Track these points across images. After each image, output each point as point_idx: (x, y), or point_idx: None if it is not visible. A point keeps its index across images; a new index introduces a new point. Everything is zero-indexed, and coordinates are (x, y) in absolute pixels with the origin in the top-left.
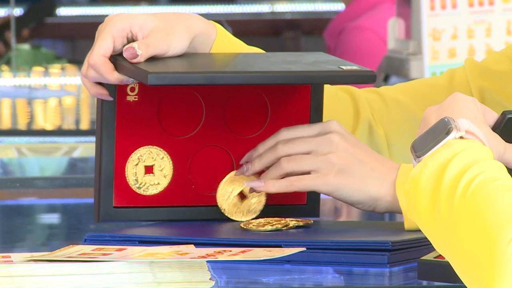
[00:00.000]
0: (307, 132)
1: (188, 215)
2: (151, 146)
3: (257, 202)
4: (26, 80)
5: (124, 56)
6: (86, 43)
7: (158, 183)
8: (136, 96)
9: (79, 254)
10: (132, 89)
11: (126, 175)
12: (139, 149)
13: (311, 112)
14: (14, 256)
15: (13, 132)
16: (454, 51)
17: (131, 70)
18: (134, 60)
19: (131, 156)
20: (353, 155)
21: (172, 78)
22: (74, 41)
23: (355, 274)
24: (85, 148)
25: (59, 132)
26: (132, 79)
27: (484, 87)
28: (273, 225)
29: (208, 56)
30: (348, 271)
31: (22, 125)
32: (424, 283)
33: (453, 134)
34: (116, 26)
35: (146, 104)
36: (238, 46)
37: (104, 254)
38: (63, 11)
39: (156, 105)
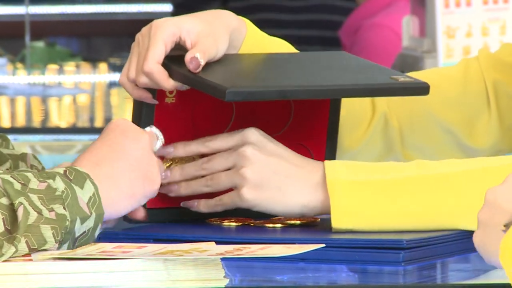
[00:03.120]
0: (225, 144)
1: (219, 213)
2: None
3: None
4: (41, 77)
5: (189, 66)
6: (101, 41)
7: None
8: (174, 98)
9: (99, 252)
10: (171, 92)
11: None
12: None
13: (330, 109)
14: (34, 255)
15: (28, 129)
16: (468, 48)
17: (200, 83)
18: (197, 71)
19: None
20: (268, 166)
21: (247, 94)
22: (89, 39)
23: (369, 272)
24: None
25: (74, 130)
26: (186, 86)
27: (498, 79)
28: (283, 222)
29: (254, 60)
30: (362, 269)
31: (36, 122)
32: (439, 281)
33: None
34: (167, 32)
35: (182, 106)
36: (267, 42)
37: (124, 252)
38: (78, 9)
39: (191, 107)
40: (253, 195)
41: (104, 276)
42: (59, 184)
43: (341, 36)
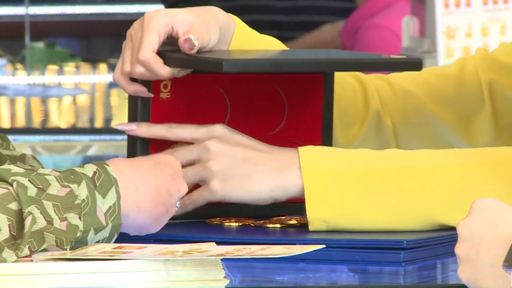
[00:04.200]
0: (189, 134)
1: (219, 213)
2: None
3: None
4: (41, 78)
5: (183, 47)
6: (101, 41)
7: None
8: (169, 93)
9: (99, 253)
10: (165, 86)
11: None
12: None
13: (323, 107)
14: (35, 255)
15: (28, 130)
16: (468, 49)
17: (196, 62)
18: (191, 52)
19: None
20: (233, 157)
21: (244, 64)
22: (89, 39)
23: (369, 273)
24: (100, 146)
25: (74, 130)
26: (182, 71)
27: (494, 80)
28: (282, 223)
29: (247, 51)
30: (362, 269)
31: (36, 123)
32: (439, 281)
33: None
34: (160, 22)
35: (177, 101)
36: (257, 39)
37: (124, 253)
38: (78, 9)
39: (187, 102)
40: (221, 186)
41: (104, 277)
42: (82, 192)
43: (341, 37)
